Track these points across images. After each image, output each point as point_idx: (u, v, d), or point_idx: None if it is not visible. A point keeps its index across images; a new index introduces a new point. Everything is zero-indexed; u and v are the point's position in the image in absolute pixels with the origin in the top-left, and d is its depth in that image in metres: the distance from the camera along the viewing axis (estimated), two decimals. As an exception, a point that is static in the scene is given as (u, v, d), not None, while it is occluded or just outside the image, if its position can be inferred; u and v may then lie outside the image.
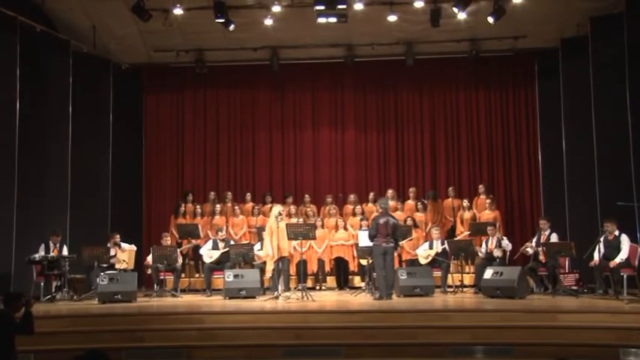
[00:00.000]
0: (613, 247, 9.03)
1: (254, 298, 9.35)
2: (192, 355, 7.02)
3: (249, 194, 12.39)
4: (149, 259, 10.58)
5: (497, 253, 10.09)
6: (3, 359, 5.07)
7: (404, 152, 13.00)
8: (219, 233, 10.80)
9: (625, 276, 8.76)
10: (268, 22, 11.35)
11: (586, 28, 10.95)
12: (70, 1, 11.07)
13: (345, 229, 11.35)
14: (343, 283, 11.15)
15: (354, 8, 10.86)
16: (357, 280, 11.16)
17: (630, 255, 8.98)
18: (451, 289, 10.17)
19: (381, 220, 9.21)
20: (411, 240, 10.86)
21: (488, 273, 9.26)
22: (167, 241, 10.64)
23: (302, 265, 9.81)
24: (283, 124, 13.22)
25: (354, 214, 11.63)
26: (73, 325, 7.68)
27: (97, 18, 11.54)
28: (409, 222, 11.10)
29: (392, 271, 9.22)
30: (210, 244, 10.77)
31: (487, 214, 11.44)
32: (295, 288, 9.83)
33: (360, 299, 9.37)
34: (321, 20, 10.90)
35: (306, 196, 12.27)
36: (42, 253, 9.76)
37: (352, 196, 12.08)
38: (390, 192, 11.78)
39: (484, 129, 12.84)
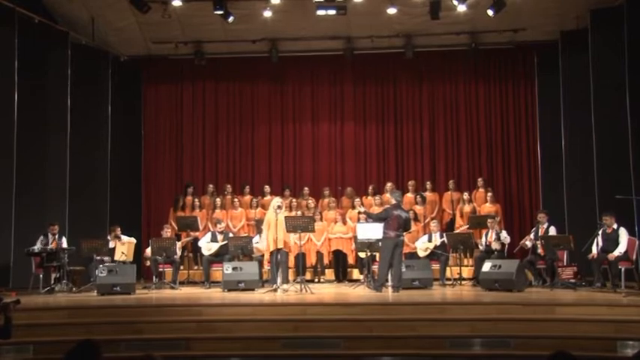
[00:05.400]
0: (611, 241, 9.05)
1: (253, 290, 9.36)
2: (191, 347, 7.02)
3: (247, 187, 12.38)
4: (148, 251, 10.59)
5: (495, 245, 10.11)
6: None
7: (403, 145, 12.99)
8: (218, 226, 10.80)
9: (623, 269, 8.80)
10: (267, 14, 11.33)
11: (586, 21, 10.93)
12: (69, -7, 11.07)
13: (344, 222, 11.36)
14: (342, 276, 11.17)
15: (353, 0, 10.84)
16: (355, 273, 11.17)
17: (628, 248, 9.00)
18: (449, 282, 10.19)
19: (395, 213, 9.22)
20: (410, 233, 10.87)
21: (486, 266, 9.28)
22: (168, 233, 10.65)
23: (301, 257, 9.82)
24: (282, 117, 13.19)
25: (353, 207, 11.64)
26: (72, 317, 7.68)
27: (95, 10, 11.51)
28: (411, 215, 11.09)
29: (400, 264, 9.26)
30: (208, 236, 10.78)
31: (488, 208, 11.46)
32: (294, 280, 9.85)
33: (359, 292, 9.38)
34: (321, 12, 10.89)
35: (305, 188, 12.26)
36: (40, 245, 9.76)
37: (348, 189, 12.08)
38: (389, 185, 11.78)
39: (483, 122, 12.83)
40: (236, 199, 11.91)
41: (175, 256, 10.37)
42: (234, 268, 9.64)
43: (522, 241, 10.23)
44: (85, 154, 11.55)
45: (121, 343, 6.90)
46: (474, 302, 8.22)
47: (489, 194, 11.61)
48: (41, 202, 10.66)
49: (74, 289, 9.65)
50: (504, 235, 10.27)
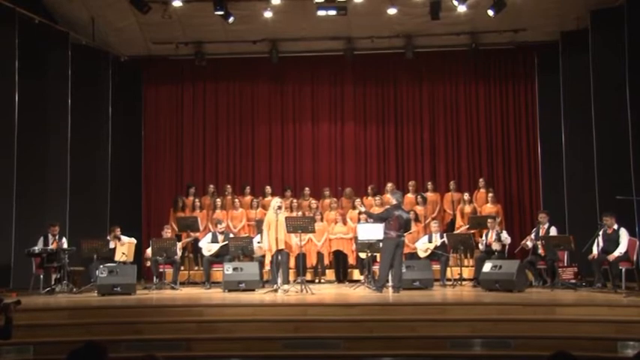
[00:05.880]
0: (612, 241, 9.05)
1: (253, 290, 9.35)
2: (191, 348, 7.03)
3: (248, 187, 12.39)
4: (148, 251, 10.59)
5: (496, 246, 10.11)
6: None
7: (403, 146, 12.99)
8: (219, 226, 10.80)
9: (623, 269, 8.80)
10: (268, 14, 11.34)
11: (586, 22, 10.93)
12: (69, -7, 11.07)
13: (345, 222, 11.36)
14: (342, 277, 11.16)
15: (353, 1, 10.84)
16: (356, 274, 11.17)
17: (629, 248, 9.00)
18: (450, 283, 10.19)
19: (396, 213, 9.23)
20: (410, 233, 10.86)
21: (487, 266, 9.28)
22: (168, 233, 10.65)
23: (301, 258, 9.81)
24: (283, 117, 13.20)
25: (353, 207, 11.64)
26: (73, 318, 7.68)
27: (95, 10, 11.52)
28: (411, 215, 11.10)
29: (401, 265, 9.27)
30: (209, 237, 10.78)
31: (489, 208, 11.46)
32: (294, 281, 9.85)
33: (359, 292, 9.38)
34: (321, 13, 10.90)
35: (306, 189, 12.26)
36: (40, 245, 9.76)
37: (347, 190, 12.09)
38: (389, 185, 11.78)
39: (484, 122, 12.83)
40: (236, 200, 11.91)
41: (176, 257, 10.37)
42: (234, 269, 9.63)
43: (523, 242, 10.22)
44: (85, 154, 11.54)
45: (121, 343, 6.89)
46: (475, 303, 8.22)
47: (490, 195, 11.61)
48: (41, 202, 10.66)
49: (74, 289, 9.64)
50: (505, 236, 10.27)
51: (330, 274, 11.37)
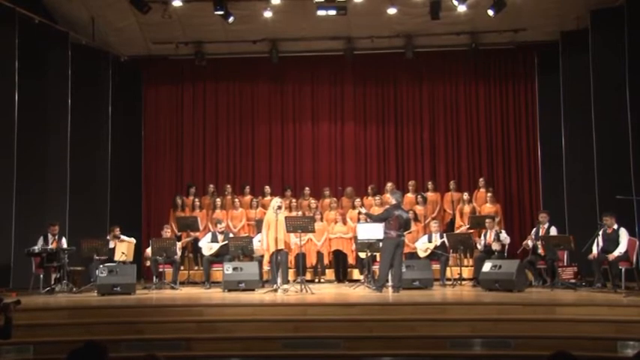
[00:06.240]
0: (611, 241, 9.05)
1: (253, 290, 9.36)
2: (191, 348, 7.03)
3: (248, 187, 12.39)
4: (148, 251, 10.60)
5: (495, 246, 10.11)
6: None
7: (403, 145, 12.99)
8: (219, 226, 10.80)
9: (623, 269, 8.81)
10: (268, 14, 11.34)
11: (586, 22, 10.93)
12: (69, -7, 11.08)
13: (344, 222, 11.36)
14: (342, 276, 11.17)
15: (353, 1, 10.85)
16: (355, 273, 11.17)
17: (628, 248, 9.00)
18: (450, 282, 10.20)
19: (396, 213, 9.24)
20: (410, 233, 10.87)
21: (486, 266, 9.28)
22: (168, 233, 10.65)
23: (301, 258, 9.82)
24: (283, 117, 13.20)
25: (353, 207, 11.64)
26: (72, 317, 7.68)
27: (95, 10, 11.52)
28: (411, 215, 11.10)
29: (401, 264, 9.28)
30: (209, 236, 10.78)
31: (488, 208, 11.46)
32: (294, 281, 9.85)
33: (359, 292, 9.38)
34: (321, 13, 10.91)
35: (306, 188, 12.27)
36: (40, 245, 9.76)
37: (348, 189, 12.10)
38: (389, 185, 11.78)
39: (484, 122, 12.83)
40: (236, 200, 11.91)
41: (175, 257, 10.37)
42: (234, 269, 9.64)
43: (525, 242, 10.22)
44: (85, 154, 11.54)
45: (121, 343, 6.90)
46: (475, 302, 8.22)
47: (489, 194, 11.61)
48: (41, 202, 10.66)
49: (74, 289, 9.64)
50: (504, 236, 10.27)
51: (330, 273, 11.37)
